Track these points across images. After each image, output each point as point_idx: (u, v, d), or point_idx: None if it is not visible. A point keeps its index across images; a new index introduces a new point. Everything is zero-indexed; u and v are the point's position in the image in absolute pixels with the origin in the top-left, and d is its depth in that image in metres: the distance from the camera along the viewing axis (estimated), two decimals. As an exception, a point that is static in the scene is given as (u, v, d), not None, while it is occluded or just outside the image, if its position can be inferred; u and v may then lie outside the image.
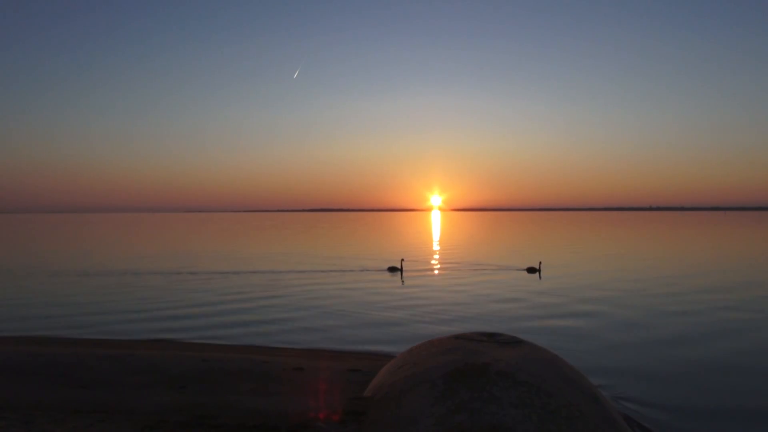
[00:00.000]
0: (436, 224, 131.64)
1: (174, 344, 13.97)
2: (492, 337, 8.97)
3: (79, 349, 12.78)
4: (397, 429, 6.70)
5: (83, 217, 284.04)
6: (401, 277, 27.32)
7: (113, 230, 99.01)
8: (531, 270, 29.31)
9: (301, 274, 28.96)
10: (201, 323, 16.60)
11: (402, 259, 31.22)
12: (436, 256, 40.27)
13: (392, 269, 30.09)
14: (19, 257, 41.41)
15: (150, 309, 18.85)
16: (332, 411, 7.80)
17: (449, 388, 7.12)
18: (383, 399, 7.71)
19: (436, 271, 30.50)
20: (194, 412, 7.77)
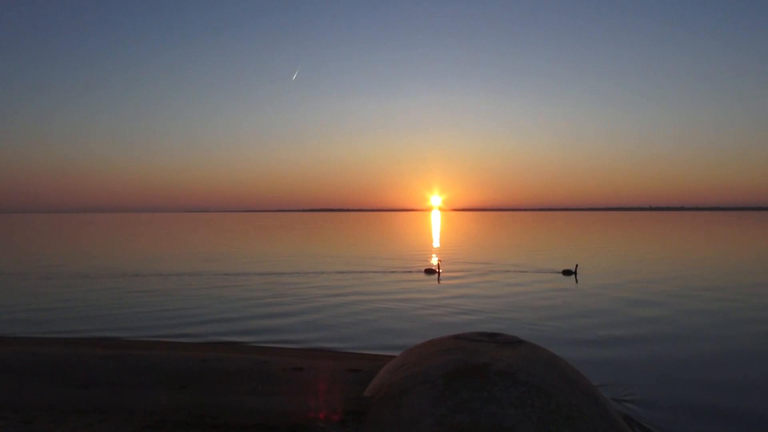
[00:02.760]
0: (441, 224, 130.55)
1: (174, 344, 13.97)
2: (492, 338, 8.97)
3: (79, 349, 12.78)
4: (397, 429, 6.70)
5: (83, 217, 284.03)
6: (438, 279, 27.04)
7: (113, 230, 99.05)
8: (567, 272, 28.64)
9: (324, 275, 28.40)
10: (201, 323, 16.61)
11: (438, 261, 31.02)
12: (466, 257, 39.41)
13: (429, 271, 29.84)
14: (18, 258, 41.43)
15: (149, 309, 18.85)
16: (332, 411, 7.80)
17: (449, 388, 7.12)
18: (383, 399, 7.70)
19: (471, 273, 29.82)
20: (194, 412, 7.77)
